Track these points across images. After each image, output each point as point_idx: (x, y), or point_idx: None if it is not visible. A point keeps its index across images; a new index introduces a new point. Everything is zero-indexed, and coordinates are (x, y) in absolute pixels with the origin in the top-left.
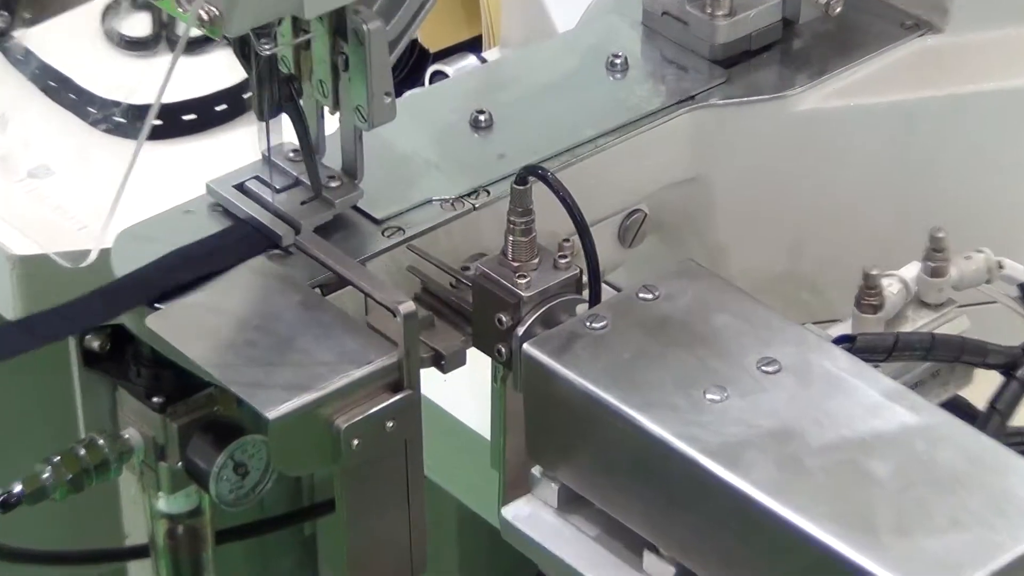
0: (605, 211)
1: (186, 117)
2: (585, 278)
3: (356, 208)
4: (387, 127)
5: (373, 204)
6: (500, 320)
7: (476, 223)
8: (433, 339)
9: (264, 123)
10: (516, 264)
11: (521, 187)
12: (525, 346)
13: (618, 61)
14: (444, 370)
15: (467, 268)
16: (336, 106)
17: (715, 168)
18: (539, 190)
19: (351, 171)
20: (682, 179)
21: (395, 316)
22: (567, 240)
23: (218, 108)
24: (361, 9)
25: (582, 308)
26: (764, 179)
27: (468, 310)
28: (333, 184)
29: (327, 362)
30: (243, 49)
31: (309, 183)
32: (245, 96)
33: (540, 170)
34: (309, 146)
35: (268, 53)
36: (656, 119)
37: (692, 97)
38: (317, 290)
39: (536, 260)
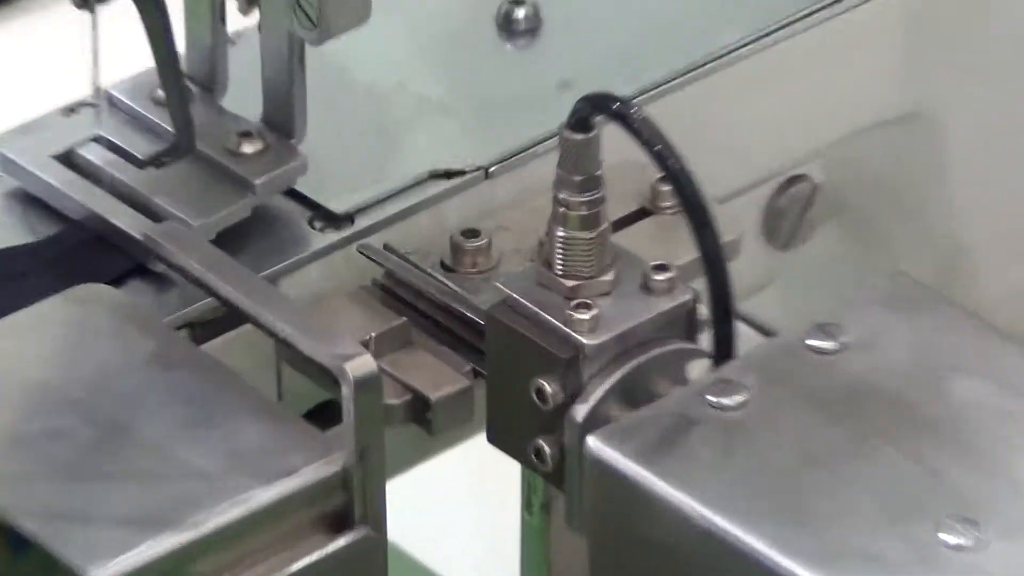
0: (740, 180)
1: None
2: (705, 309)
3: (294, 193)
4: (351, 41)
5: (322, 184)
6: (541, 392)
7: (486, 199)
8: (411, 371)
9: (90, 12)
10: (572, 283)
11: (580, 135)
12: (592, 442)
13: None
14: (432, 429)
15: (451, 269)
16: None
17: (951, 96)
18: (613, 142)
19: (282, 124)
20: (889, 117)
21: (338, 384)
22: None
23: None
24: None
25: (700, 368)
26: None
27: (474, 319)
28: (247, 149)
29: (205, 473)
30: None
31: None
32: None
33: (615, 102)
34: (173, 67)
35: None
36: (844, 6)
37: None
38: (184, 333)
39: (610, 275)
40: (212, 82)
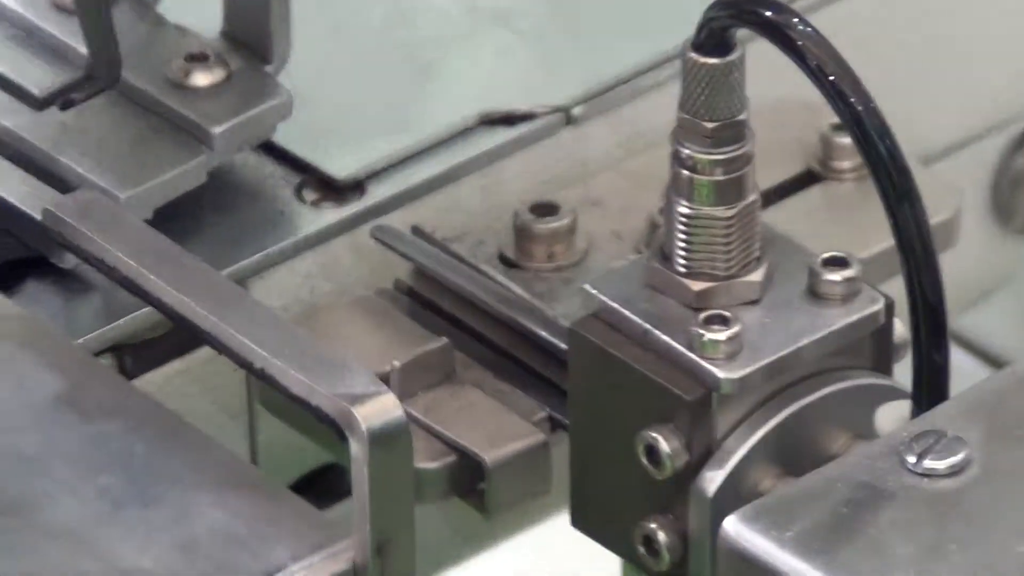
0: (957, 131)
1: None
2: (904, 326)
3: (274, 150)
4: None
5: (321, 142)
6: (652, 452)
7: (568, 156)
8: (451, 419)
9: None
10: (700, 286)
11: (714, 59)
12: (731, 525)
13: None
14: (487, 508)
15: (514, 263)
16: None
17: None
18: (765, 71)
19: (253, 40)
20: None
21: (344, 439)
22: None
23: None
24: None
25: (895, 414)
26: None
27: (549, 340)
28: (200, 80)
29: (141, 573)
30: None
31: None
32: None
33: (767, 7)
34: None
35: None
36: None
37: None
38: (108, 361)
39: (758, 274)
40: None
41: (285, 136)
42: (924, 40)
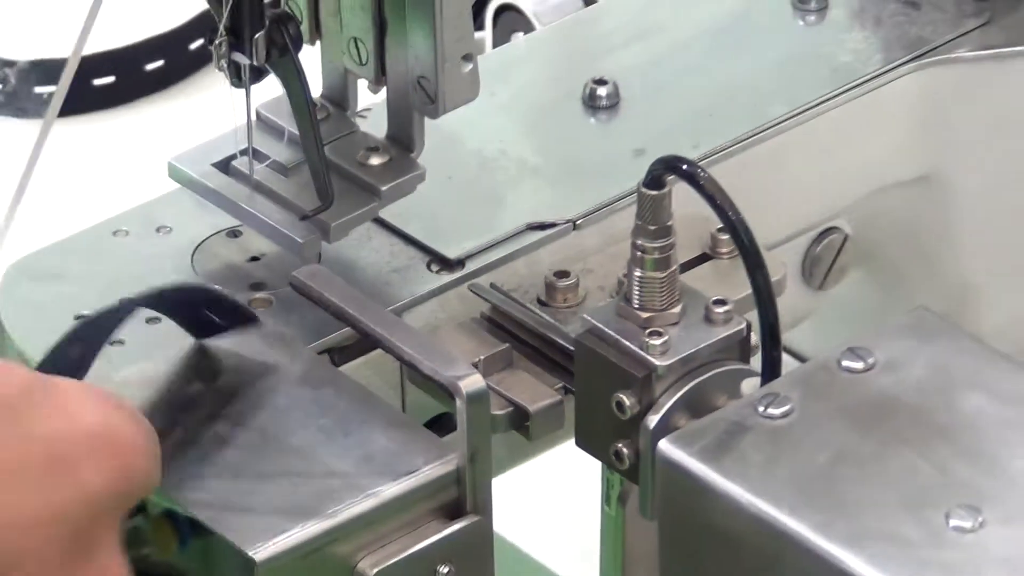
0: (784, 231)
1: (99, 82)
2: (756, 337)
3: (415, 242)
4: (462, 113)
5: (438, 234)
6: (620, 404)
7: (575, 246)
8: (512, 388)
9: (244, 89)
10: (646, 315)
11: (654, 191)
12: (663, 445)
13: None
14: (530, 436)
15: (545, 303)
16: (381, 78)
17: (959, 160)
18: (682, 198)
19: (405, 139)
20: (907, 178)
21: (453, 398)
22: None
23: (150, 67)
24: None
25: (751, 385)
26: None
27: (564, 345)
28: (374, 161)
29: (344, 472)
30: None
31: (318, 182)
32: (193, 47)
33: (683, 163)
34: (314, 131)
35: None
36: (870, 85)
37: (928, 50)
38: (325, 356)
39: (678, 308)
40: (344, 102)
41: (422, 234)
42: (766, 181)
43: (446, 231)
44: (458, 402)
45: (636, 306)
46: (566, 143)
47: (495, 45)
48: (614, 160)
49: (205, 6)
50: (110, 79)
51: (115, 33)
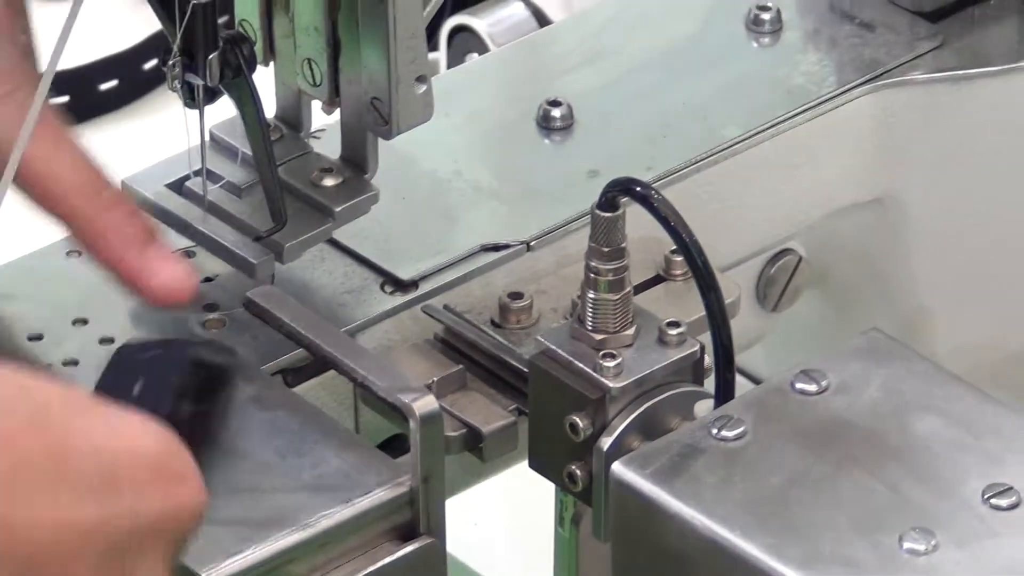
0: (738, 253)
1: (53, 101)
2: (709, 359)
3: (369, 263)
4: (416, 135)
5: (391, 255)
6: (573, 426)
7: (528, 268)
8: (466, 409)
9: (198, 110)
10: (600, 337)
11: (608, 213)
12: (616, 467)
13: (766, 16)
14: (484, 457)
15: (499, 325)
16: (335, 99)
17: (913, 183)
18: (635, 220)
19: (357, 161)
20: (861, 200)
21: (406, 420)
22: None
23: (104, 87)
24: None
25: (705, 407)
26: (992, 201)
27: (518, 367)
28: (328, 182)
29: (297, 493)
30: None
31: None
32: (147, 67)
33: (637, 185)
34: (267, 153)
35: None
36: (824, 108)
37: (882, 72)
38: (279, 377)
39: (631, 331)
40: (298, 123)
41: (375, 255)
42: (720, 202)
43: (400, 252)
44: (411, 423)
45: (590, 328)
46: (520, 164)
47: (450, 66)
48: (568, 181)
49: (160, 26)
50: (64, 99)
51: (69, 53)
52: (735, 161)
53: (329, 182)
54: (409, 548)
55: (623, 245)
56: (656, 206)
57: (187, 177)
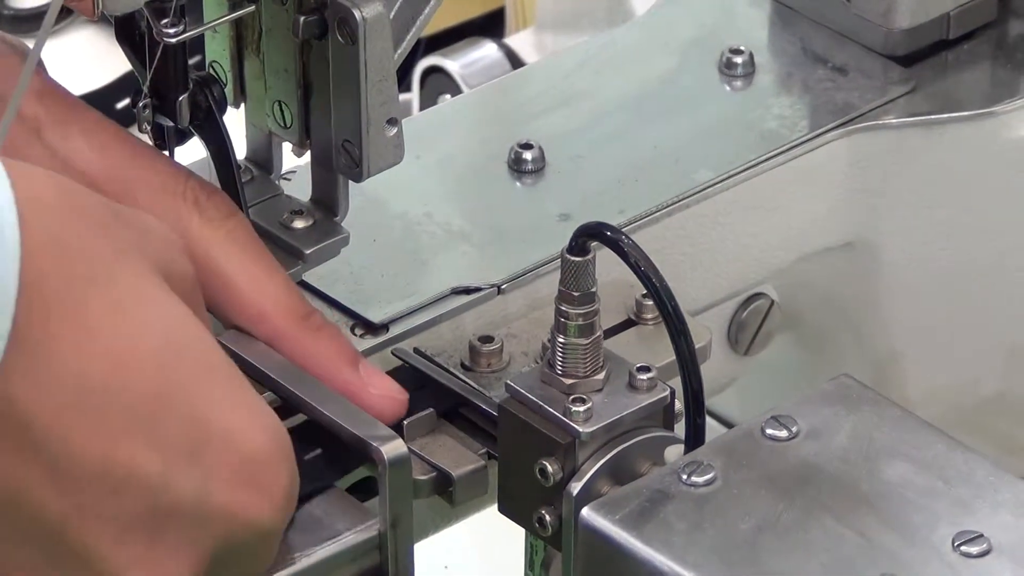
0: (710, 296)
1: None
2: (680, 404)
3: (339, 305)
4: (386, 177)
5: (362, 297)
6: (543, 471)
7: (499, 311)
8: (435, 453)
9: (168, 151)
10: (569, 381)
11: (578, 258)
12: (585, 512)
13: (738, 60)
14: (454, 501)
15: (469, 368)
16: (305, 141)
17: (885, 227)
18: (605, 264)
19: (327, 203)
20: (833, 244)
21: (375, 462)
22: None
23: None
24: None
25: (675, 452)
26: (964, 245)
27: (488, 411)
28: (298, 224)
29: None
30: (128, 32)
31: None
32: (119, 107)
33: (607, 230)
34: (238, 194)
35: (174, 40)
36: (797, 151)
37: (855, 116)
38: None
39: (602, 375)
40: (269, 165)
41: (346, 298)
42: (692, 246)
43: (370, 295)
44: (379, 467)
45: (559, 372)
46: (491, 207)
47: (422, 107)
48: (539, 225)
49: (131, 66)
50: None
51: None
52: (707, 205)
53: (299, 224)
54: None
55: (593, 290)
56: (626, 251)
57: None
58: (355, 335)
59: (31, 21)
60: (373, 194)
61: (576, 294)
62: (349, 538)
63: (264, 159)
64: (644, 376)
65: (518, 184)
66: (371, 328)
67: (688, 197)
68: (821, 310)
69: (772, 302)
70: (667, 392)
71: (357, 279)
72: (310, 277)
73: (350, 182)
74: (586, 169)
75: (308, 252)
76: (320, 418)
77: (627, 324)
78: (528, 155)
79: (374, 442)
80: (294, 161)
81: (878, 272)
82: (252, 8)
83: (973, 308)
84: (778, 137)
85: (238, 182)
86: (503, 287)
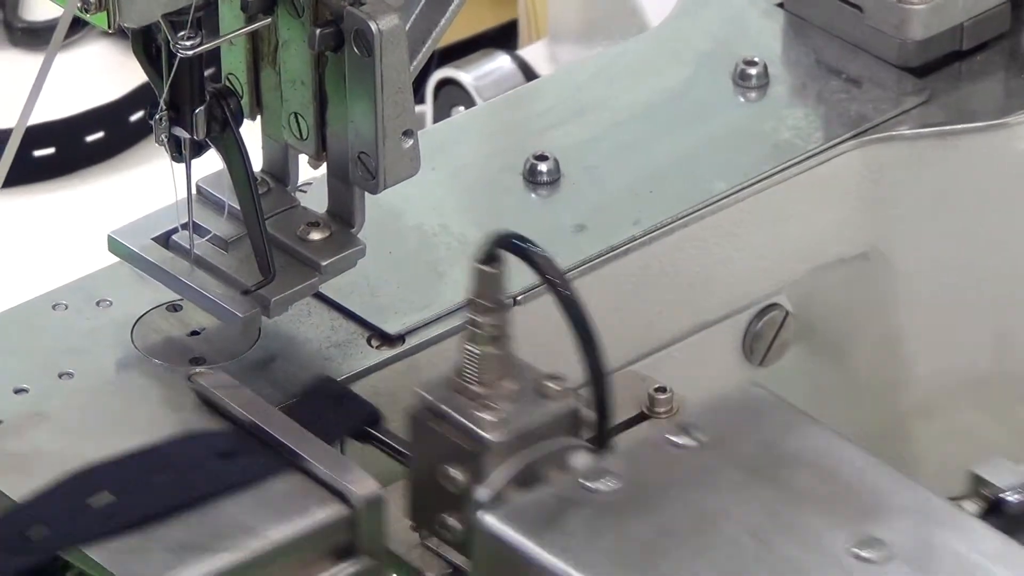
0: (724, 307)
1: (39, 153)
2: (589, 412)
3: (356, 317)
4: (402, 189)
5: (378, 309)
6: (451, 478)
7: (516, 323)
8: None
9: (184, 163)
10: (479, 390)
11: (489, 268)
12: (487, 518)
13: (752, 71)
14: None
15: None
16: (322, 153)
17: (899, 238)
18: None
19: (346, 215)
20: (848, 255)
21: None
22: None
23: (90, 139)
24: None
25: (581, 459)
26: (978, 256)
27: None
28: (315, 236)
29: (237, 515)
30: (144, 45)
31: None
32: (134, 119)
33: (515, 239)
34: (255, 207)
35: (191, 53)
36: (811, 162)
37: (869, 127)
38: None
39: (512, 383)
40: (285, 177)
41: (363, 310)
42: (707, 257)
43: (386, 306)
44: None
45: (469, 380)
46: (506, 218)
47: (436, 119)
48: (554, 236)
49: (146, 78)
50: (50, 150)
51: (55, 104)
52: (722, 216)
53: (316, 236)
54: (347, 567)
55: (504, 299)
56: (536, 261)
57: (174, 230)
58: (372, 347)
59: (44, 34)
60: (389, 206)
61: (487, 304)
62: (320, 515)
63: (280, 171)
64: (554, 384)
65: (533, 195)
66: (387, 340)
67: (703, 208)
68: (835, 320)
69: (787, 313)
70: (576, 400)
71: (373, 291)
72: (326, 289)
73: (366, 194)
74: (601, 180)
75: (324, 264)
76: (296, 461)
77: (640, 418)
78: (543, 166)
79: (347, 483)
80: (310, 173)
81: (892, 282)
82: (268, 20)
83: (987, 317)
84: (792, 148)
85: (254, 194)
86: (519, 298)
